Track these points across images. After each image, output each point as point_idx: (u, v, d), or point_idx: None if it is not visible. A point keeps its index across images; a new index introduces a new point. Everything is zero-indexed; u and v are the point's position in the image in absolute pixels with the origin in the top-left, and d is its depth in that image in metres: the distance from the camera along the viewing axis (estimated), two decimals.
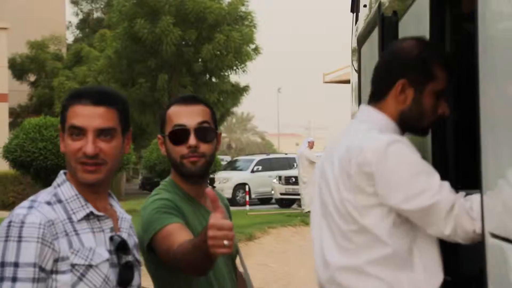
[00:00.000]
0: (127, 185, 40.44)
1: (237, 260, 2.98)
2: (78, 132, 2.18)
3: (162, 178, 20.38)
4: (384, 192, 2.34)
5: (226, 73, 27.91)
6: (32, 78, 34.78)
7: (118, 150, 2.23)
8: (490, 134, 2.07)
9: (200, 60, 27.00)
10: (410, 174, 2.34)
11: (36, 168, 13.44)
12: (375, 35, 3.49)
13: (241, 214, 19.17)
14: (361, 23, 5.16)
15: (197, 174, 2.74)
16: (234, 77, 43.54)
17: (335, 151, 2.52)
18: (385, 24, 3.27)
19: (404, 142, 2.42)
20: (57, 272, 2.10)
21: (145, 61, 26.98)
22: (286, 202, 23.40)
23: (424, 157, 3.12)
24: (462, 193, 2.33)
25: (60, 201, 2.20)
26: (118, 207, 2.37)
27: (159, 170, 20.87)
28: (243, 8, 27.85)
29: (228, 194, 25.14)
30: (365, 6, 5.04)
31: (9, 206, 24.89)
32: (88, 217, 2.21)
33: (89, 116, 2.18)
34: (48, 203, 2.18)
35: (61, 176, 2.27)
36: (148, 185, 38.68)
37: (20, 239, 2.06)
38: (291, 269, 11.54)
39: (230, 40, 26.11)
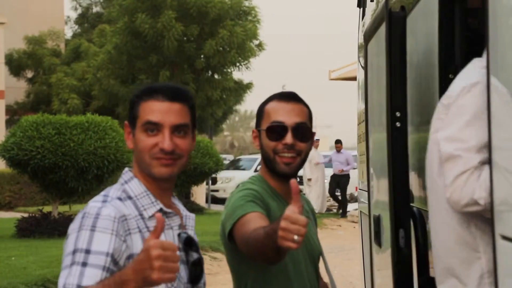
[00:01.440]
0: None
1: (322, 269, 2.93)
2: (154, 128, 2.23)
3: None
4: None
5: (229, 70, 27.90)
6: (29, 74, 34.77)
7: (190, 146, 2.30)
8: (501, 134, 2.07)
9: (202, 56, 27.00)
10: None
11: (33, 167, 13.44)
12: (382, 31, 3.49)
13: None
14: (368, 19, 5.16)
15: (291, 175, 2.73)
16: (237, 74, 43.54)
17: None
18: (393, 19, 3.26)
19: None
20: None
21: (146, 57, 26.97)
22: None
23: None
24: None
25: (130, 198, 2.24)
26: (181, 205, 2.41)
27: None
28: (246, 3, 27.83)
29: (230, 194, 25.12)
30: (372, 0, 5.03)
31: (5, 206, 24.92)
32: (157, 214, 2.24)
33: (165, 112, 2.23)
34: (119, 199, 2.22)
35: (127, 173, 2.31)
36: None
37: (94, 228, 2.10)
38: None
39: (233, 35, 26.10)
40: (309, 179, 19.85)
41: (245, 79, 29.48)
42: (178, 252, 2.12)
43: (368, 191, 4.67)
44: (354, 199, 20.85)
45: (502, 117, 2.07)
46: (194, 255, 2.29)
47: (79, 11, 38.65)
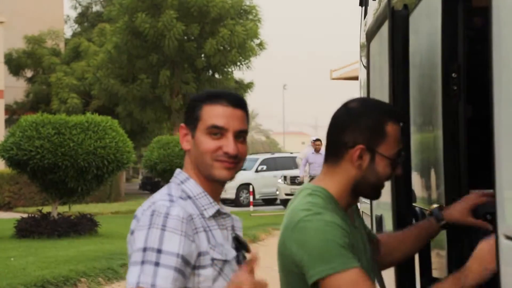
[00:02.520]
0: (126, 185, 40.46)
1: None
2: (218, 131, 2.31)
3: (162, 178, 20.41)
4: None
5: (230, 69, 27.91)
6: (28, 73, 34.81)
7: (247, 151, 2.40)
8: (505, 133, 2.07)
9: (203, 55, 27.00)
10: None
11: (32, 167, 13.45)
12: (384, 30, 3.49)
13: (244, 215, 19.17)
14: (370, 17, 5.16)
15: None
16: (238, 73, 43.49)
17: None
18: (395, 18, 3.27)
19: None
20: (199, 267, 2.21)
21: (146, 57, 26.99)
22: None
23: (435, 156, 3.11)
24: None
25: (189, 197, 2.31)
26: (225, 207, 2.47)
27: (159, 169, 20.87)
28: (247, 2, 27.85)
29: (231, 194, 25.17)
30: None
31: (5, 206, 24.94)
32: (215, 214, 2.33)
33: (230, 117, 2.32)
34: (181, 198, 2.29)
35: (181, 174, 2.37)
36: (149, 185, 38.72)
37: (164, 228, 2.16)
38: None
39: (234, 35, 26.11)
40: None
41: (246, 78, 29.47)
42: (234, 252, 2.29)
43: None
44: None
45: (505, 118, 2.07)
46: (245, 255, 2.37)
47: (79, 10, 38.67)
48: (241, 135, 2.34)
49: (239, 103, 2.36)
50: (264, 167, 26.59)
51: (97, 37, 31.26)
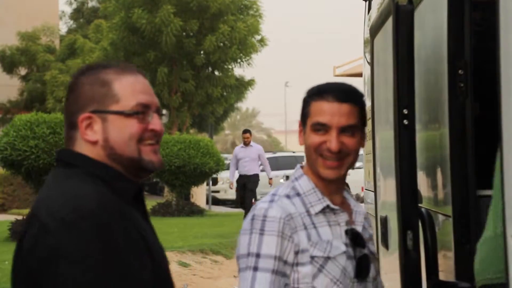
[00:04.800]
0: None
1: None
2: (322, 128, 2.40)
3: (162, 179, 20.39)
4: None
5: (230, 66, 27.89)
6: (22, 71, 34.80)
7: (358, 145, 2.44)
8: None
9: (202, 52, 26.99)
10: None
11: (27, 168, 13.45)
12: (389, 25, 3.49)
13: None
14: (374, 12, 5.16)
15: None
16: (239, 71, 43.49)
17: None
18: (400, 13, 3.26)
19: None
20: (297, 264, 2.31)
21: (144, 54, 26.97)
22: None
23: (442, 156, 3.12)
24: None
25: (298, 195, 2.43)
26: (352, 200, 2.55)
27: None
28: None
29: (232, 195, 25.16)
30: None
31: None
32: (324, 210, 2.41)
33: (334, 113, 2.39)
34: (287, 196, 2.41)
35: (298, 170, 2.50)
36: (147, 186, 38.69)
37: (262, 232, 2.31)
38: None
39: (235, 31, 26.10)
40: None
41: (247, 75, 29.44)
42: (344, 248, 2.34)
43: (375, 192, 4.67)
44: (360, 200, 20.86)
45: None
46: (361, 251, 2.42)
47: (74, 5, 38.68)
48: (349, 130, 2.40)
49: (347, 98, 2.42)
50: None
51: (93, 33, 31.24)
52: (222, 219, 18.40)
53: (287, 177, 23.90)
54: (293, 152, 30.40)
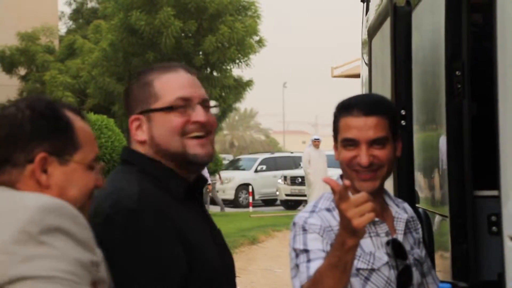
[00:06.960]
0: None
1: None
2: (351, 143, 2.39)
3: None
4: None
5: (229, 67, 27.89)
6: (22, 71, 34.75)
7: (391, 155, 2.42)
8: (510, 132, 2.07)
9: (200, 53, 26.99)
10: None
11: None
12: (387, 26, 3.49)
13: (244, 216, 19.17)
14: (372, 14, 5.16)
15: None
16: (237, 71, 43.47)
17: None
18: (398, 14, 3.27)
19: None
20: None
21: (143, 54, 26.97)
22: (291, 204, 23.39)
23: (439, 156, 3.12)
24: None
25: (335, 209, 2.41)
26: (394, 206, 2.52)
27: None
28: None
29: (230, 195, 25.15)
30: None
31: None
32: None
33: (361, 127, 2.38)
34: (328, 209, 2.41)
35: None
36: None
37: (305, 232, 2.33)
38: None
39: (233, 31, 26.10)
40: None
41: (245, 76, 29.43)
42: (386, 258, 2.33)
43: None
44: None
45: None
46: (403, 262, 2.40)
47: (74, 6, 38.63)
48: (379, 142, 2.37)
49: (373, 110, 2.39)
50: (264, 167, 26.56)
51: (92, 34, 31.20)
52: (220, 218, 18.39)
53: (285, 177, 23.92)
54: (291, 152, 30.39)
